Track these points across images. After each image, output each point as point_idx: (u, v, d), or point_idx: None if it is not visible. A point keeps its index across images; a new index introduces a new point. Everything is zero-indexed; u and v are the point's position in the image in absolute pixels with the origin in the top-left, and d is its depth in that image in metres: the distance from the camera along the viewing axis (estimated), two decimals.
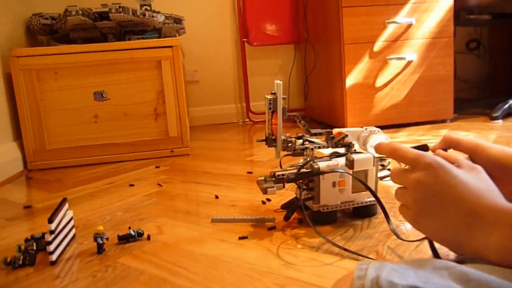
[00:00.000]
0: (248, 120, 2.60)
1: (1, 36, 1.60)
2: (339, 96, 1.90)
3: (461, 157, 0.52)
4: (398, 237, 0.68)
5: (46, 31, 1.84)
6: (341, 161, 0.80)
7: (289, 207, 0.86)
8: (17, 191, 1.30)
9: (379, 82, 1.87)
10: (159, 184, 1.17)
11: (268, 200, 1.00)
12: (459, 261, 0.41)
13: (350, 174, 0.79)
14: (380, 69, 1.86)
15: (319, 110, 2.26)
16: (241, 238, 0.78)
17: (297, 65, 2.60)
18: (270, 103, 0.82)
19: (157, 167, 1.47)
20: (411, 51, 1.87)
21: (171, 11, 2.21)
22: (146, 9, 1.73)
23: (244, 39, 2.50)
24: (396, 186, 0.54)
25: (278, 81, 0.82)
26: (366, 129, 0.82)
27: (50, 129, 1.60)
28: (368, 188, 0.74)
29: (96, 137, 1.63)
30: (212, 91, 2.57)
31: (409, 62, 1.87)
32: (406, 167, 0.51)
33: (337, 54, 1.88)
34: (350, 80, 1.84)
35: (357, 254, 0.67)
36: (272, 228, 0.82)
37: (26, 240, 0.82)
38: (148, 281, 0.64)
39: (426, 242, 0.68)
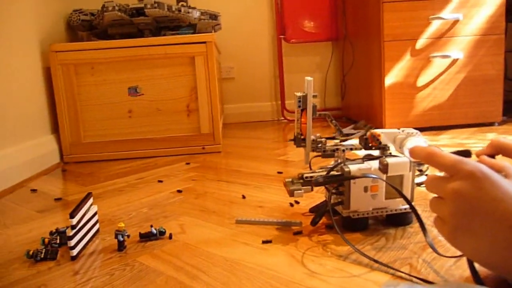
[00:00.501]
0: (283, 118, 2.56)
1: (42, 33, 1.64)
2: (378, 95, 1.82)
3: (510, 165, 0.46)
4: (435, 251, 0.62)
5: (86, 27, 1.88)
6: (375, 164, 0.75)
7: (318, 211, 0.81)
8: (51, 183, 1.33)
9: (421, 82, 1.78)
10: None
11: (297, 202, 0.96)
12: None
13: (383, 180, 0.73)
14: (422, 68, 1.77)
15: (356, 109, 2.18)
16: (264, 242, 0.75)
17: (335, 63, 2.53)
18: (299, 101, 0.78)
19: (187, 163, 1.46)
20: (457, 49, 1.76)
21: (208, 7, 2.21)
22: (182, 5, 1.73)
23: (281, 36, 2.46)
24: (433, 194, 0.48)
25: (309, 78, 0.77)
26: (403, 130, 0.76)
27: (86, 123, 1.63)
28: (402, 195, 0.68)
29: (129, 132, 1.65)
30: (247, 88, 2.54)
31: (455, 61, 1.77)
32: (444, 175, 0.46)
33: (376, 52, 1.80)
34: (390, 79, 1.76)
35: (388, 267, 0.62)
36: (298, 233, 0.78)
37: (51, 233, 0.82)
38: (165, 284, 0.62)
39: (465, 259, 0.61)
